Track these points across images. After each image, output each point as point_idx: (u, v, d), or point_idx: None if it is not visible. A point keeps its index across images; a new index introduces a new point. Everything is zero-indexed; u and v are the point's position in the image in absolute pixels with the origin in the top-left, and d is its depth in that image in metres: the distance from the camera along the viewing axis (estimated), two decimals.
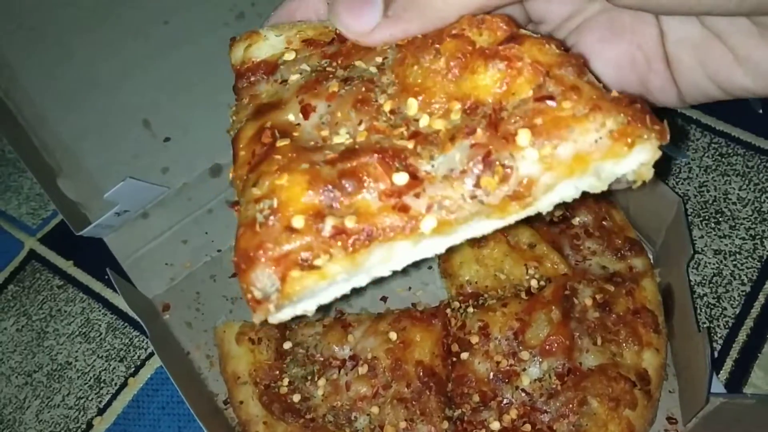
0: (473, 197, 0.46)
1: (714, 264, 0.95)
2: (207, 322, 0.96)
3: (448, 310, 0.86)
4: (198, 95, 1.03)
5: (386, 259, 0.47)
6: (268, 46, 0.57)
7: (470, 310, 0.84)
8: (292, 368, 0.84)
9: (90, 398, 0.96)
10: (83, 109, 1.06)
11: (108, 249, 0.98)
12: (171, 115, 1.04)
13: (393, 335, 0.83)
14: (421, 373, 0.80)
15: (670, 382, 0.85)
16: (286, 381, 0.83)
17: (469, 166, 0.45)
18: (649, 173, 0.46)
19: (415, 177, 0.46)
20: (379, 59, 0.53)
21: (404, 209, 0.45)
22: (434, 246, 0.48)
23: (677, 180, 1.01)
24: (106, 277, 0.89)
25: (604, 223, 0.91)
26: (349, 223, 0.45)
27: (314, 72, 0.54)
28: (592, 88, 0.46)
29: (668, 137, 0.46)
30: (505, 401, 0.78)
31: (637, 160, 0.46)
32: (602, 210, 0.92)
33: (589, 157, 0.45)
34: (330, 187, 0.45)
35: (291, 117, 0.52)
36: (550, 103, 0.45)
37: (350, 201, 0.45)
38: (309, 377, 0.83)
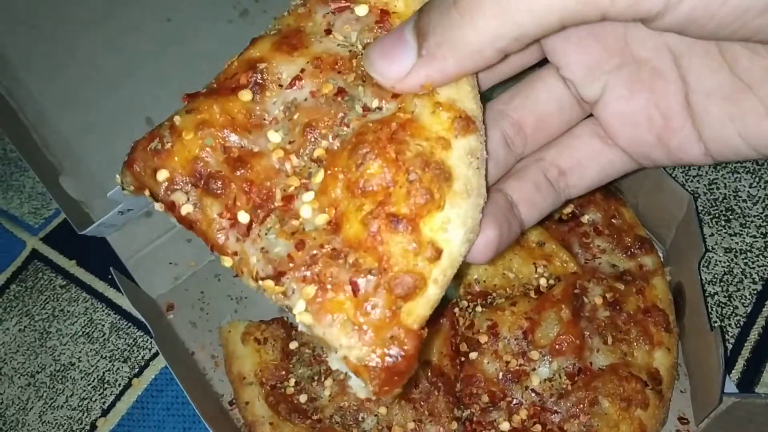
0: (258, 283, 0.49)
1: (724, 262, 0.94)
2: (212, 322, 0.95)
3: (456, 309, 0.85)
4: None
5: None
6: None
7: (478, 309, 0.83)
8: (299, 368, 0.83)
9: (94, 399, 0.95)
10: (85, 107, 1.05)
11: (111, 248, 0.97)
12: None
13: None
14: (430, 373, 0.79)
15: (682, 381, 0.84)
16: (292, 381, 0.82)
17: (274, 263, 0.48)
18: (362, 394, 0.52)
19: (249, 227, 0.49)
20: (375, 102, 0.49)
21: (225, 236, 0.50)
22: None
23: (687, 177, 1.00)
24: (110, 276, 0.88)
25: (613, 221, 0.89)
26: (185, 210, 0.50)
27: (349, 50, 0.50)
28: (388, 320, 0.46)
29: (389, 397, 0.49)
30: (514, 401, 0.77)
31: (357, 384, 0.49)
32: (612, 208, 0.90)
33: (331, 347, 0.48)
34: (203, 173, 0.49)
35: (284, 75, 0.50)
36: (348, 290, 0.46)
37: (204, 197, 0.49)
38: (316, 377, 0.82)
